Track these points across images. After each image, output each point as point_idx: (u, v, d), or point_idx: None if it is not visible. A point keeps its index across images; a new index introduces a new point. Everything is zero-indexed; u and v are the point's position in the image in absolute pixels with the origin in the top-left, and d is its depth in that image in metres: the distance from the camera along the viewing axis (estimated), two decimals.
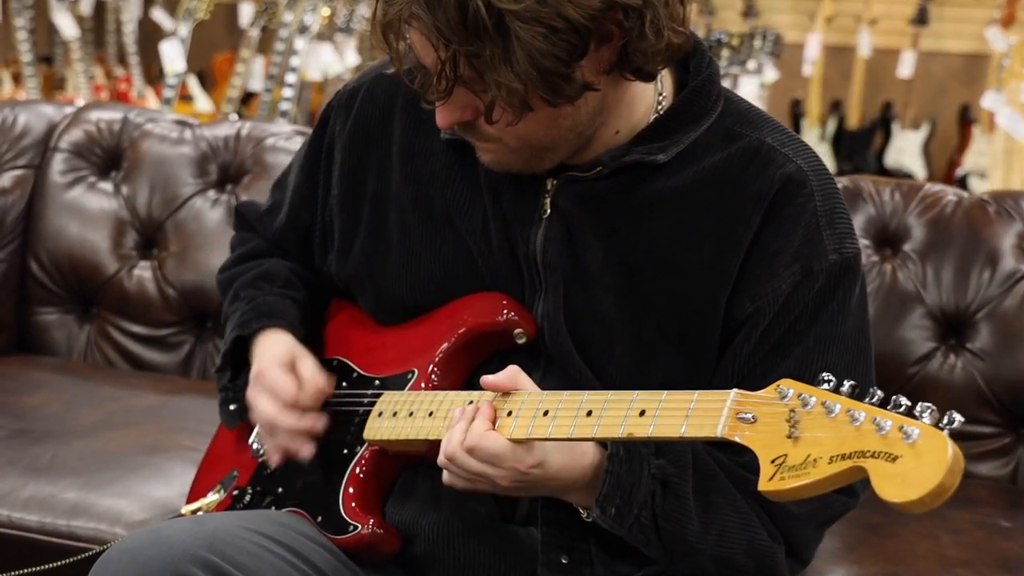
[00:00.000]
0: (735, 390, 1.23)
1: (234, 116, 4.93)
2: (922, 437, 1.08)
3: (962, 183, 6.25)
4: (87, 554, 1.81)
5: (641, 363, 1.47)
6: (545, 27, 1.31)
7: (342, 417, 1.61)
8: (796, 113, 6.69)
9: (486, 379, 1.41)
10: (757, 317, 1.45)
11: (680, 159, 1.47)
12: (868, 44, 6.51)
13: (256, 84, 5.04)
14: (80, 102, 2.86)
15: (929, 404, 1.11)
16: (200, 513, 1.67)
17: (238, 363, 1.70)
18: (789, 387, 1.18)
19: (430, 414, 1.49)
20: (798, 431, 1.15)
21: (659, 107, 1.48)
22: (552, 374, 1.48)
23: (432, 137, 1.56)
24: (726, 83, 4.97)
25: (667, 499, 1.42)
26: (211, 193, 2.57)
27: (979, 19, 6.47)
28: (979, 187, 6.10)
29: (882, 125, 6.68)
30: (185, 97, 5.81)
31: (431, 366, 1.55)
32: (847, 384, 1.17)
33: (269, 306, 1.68)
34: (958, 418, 1.10)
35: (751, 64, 5.11)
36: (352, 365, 1.65)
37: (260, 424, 1.62)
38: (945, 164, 6.60)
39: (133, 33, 5.87)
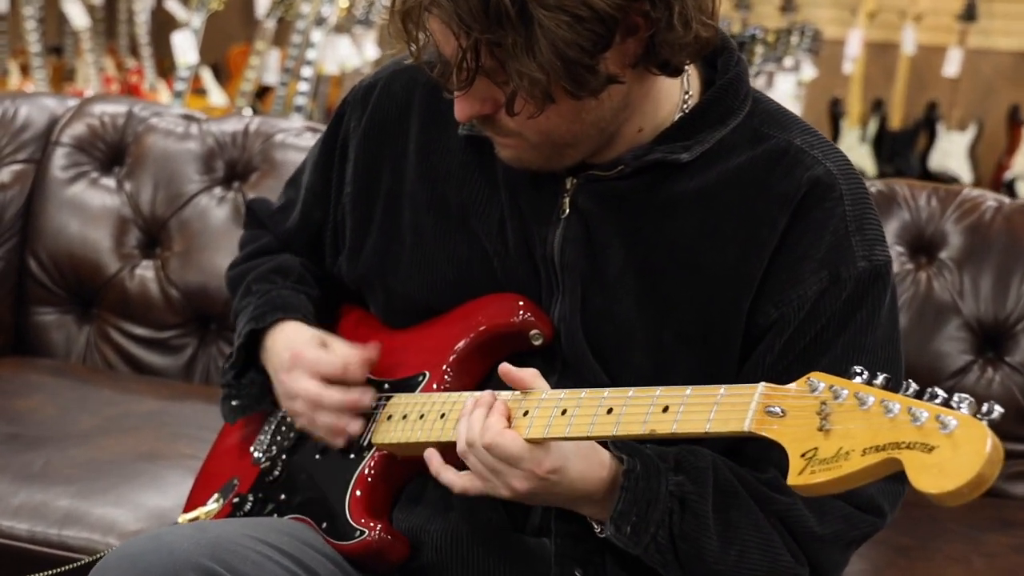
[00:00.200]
0: (763, 383, 1.24)
1: (248, 111, 4.94)
2: (960, 427, 1.08)
3: (1010, 188, 6.21)
4: (78, 563, 1.81)
5: (659, 369, 1.47)
6: (570, 16, 1.32)
7: (366, 407, 1.60)
8: (836, 113, 6.66)
9: (506, 365, 1.41)
10: (781, 324, 1.44)
11: (705, 159, 1.47)
12: (913, 41, 6.48)
13: (271, 78, 5.05)
14: (89, 95, 2.87)
15: (967, 395, 1.11)
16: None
17: (244, 361, 1.70)
18: (820, 380, 1.18)
19: (442, 416, 1.49)
20: (829, 424, 1.15)
21: (685, 106, 1.48)
22: (567, 378, 1.48)
23: (450, 134, 1.57)
24: (761, 81, 4.98)
25: (685, 518, 1.41)
26: (217, 191, 2.57)
27: None
28: None
29: (926, 126, 6.65)
30: (199, 90, 5.84)
31: (444, 366, 1.56)
32: (881, 377, 1.17)
33: (284, 299, 1.69)
34: (997, 409, 1.09)
35: (788, 61, 5.10)
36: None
37: (303, 404, 1.60)
38: (993, 168, 6.56)
39: (146, 23, 5.89)
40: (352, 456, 1.59)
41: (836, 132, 6.64)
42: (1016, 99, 6.49)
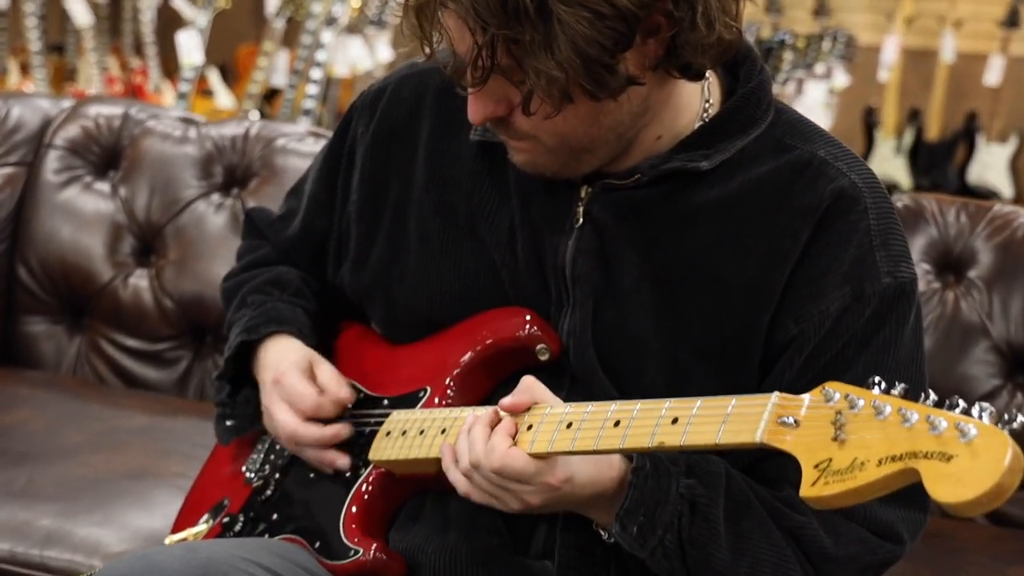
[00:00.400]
0: (776, 393, 1.24)
1: (255, 114, 4.95)
2: (980, 436, 1.09)
3: None
4: None
5: (673, 385, 1.47)
6: (591, 12, 1.32)
7: (346, 439, 1.61)
8: (870, 122, 6.64)
9: (504, 403, 1.42)
10: (802, 340, 1.45)
11: (725, 168, 1.47)
12: (952, 48, 6.47)
13: (279, 80, 5.06)
14: (92, 95, 2.88)
15: (988, 404, 1.11)
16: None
17: (238, 376, 1.71)
18: (836, 389, 1.19)
19: (443, 432, 1.49)
20: (844, 434, 1.15)
21: (705, 115, 1.49)
22: (576, 395, 1.48)
23: (461, 140, 1.58)
24: (790, 88, 4.98)
25: (695, 522, 1.41)
26: (215, 197, 2.57)
27: None
28: None
29: (965, 138, 6.63)
30: (205, 92, 5.86)
31: (448, 380, 1.56)
32: (899, 387, 1.17)
33: (279, 312, 1.70)
34: (1020, 417, 1.10)
35: (819, 68, 5.10)
36: (358, 385, 1.65)
37: (282, 436, 1.63)
38: None
39: (151, 22, 5.91)
40: (348, 474, 1.59)
41: (870, 143, 6.63)
42: None
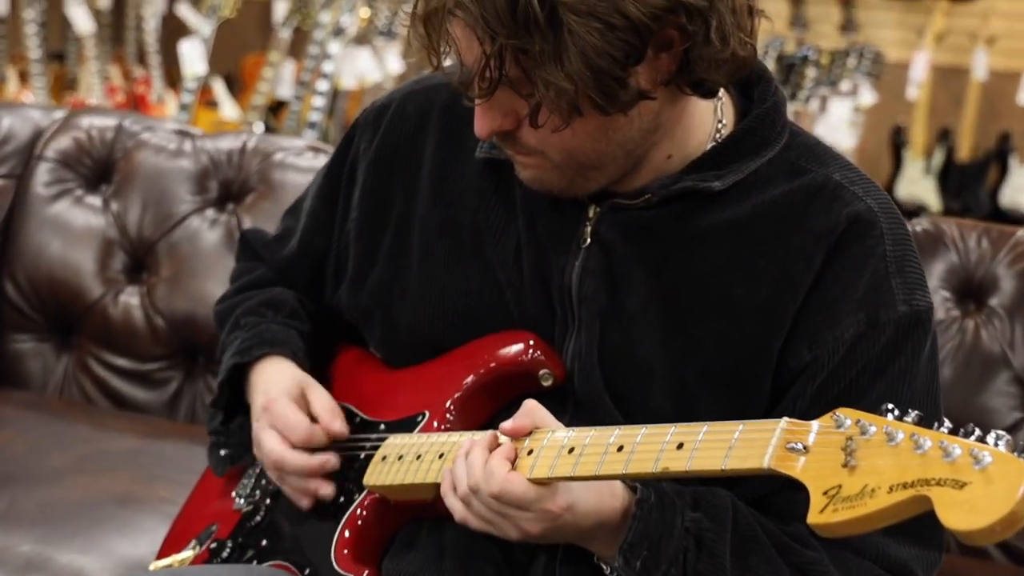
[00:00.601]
0: (785, 419, 1.24)
1: (259, 126, 4.97)
2: (995, 463, 1.09)
3: None
4: None
5: (680, 412, 1.47)
6: (602, 23, 1.33)
7: (341, 463, 1.62)
8: (898, 142, 6.63)
9: (504, 427, 1.42)
10: (815, 368, 1.45)
11: (737, 190, 1.48)
12: (984, 65, 6.46)
13: (285, 91, 5.09)
14: (92, 105, 2.88)
15: (1004, 432, 1.12)
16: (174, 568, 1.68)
17: (232, 402, 1.72)
18: (847, 416, 1.20)
19: (440, 456, 1.49)
20: (855, 460, 1.16)
21: (718, 135, 1.50)
22: (580, 420, 1.48)
23: (466, 157, 1.59)
24: (813, 105, 4.97)
25: (701, 557, 1.41)
26: (210, 212, 2.57)
27: None
28: None
29: (998, 159, 6.61)
30: (210, 103, 5.88)
31: (448, 404, 1.56)
32: (913, 414, 1.18)
33: (272, 334, 1.71)
34: None
35: (844, 85, 5.10)
36: (355, 410, 1.66)
37: (267, 463, 1.63)
38: None
39: (155, 30, 5.95)
40: (342, 499, 1.59)
41: (898, 163, 6.62)
42: None
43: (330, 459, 1.61)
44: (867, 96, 5.30)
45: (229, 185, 2.59)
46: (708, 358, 1.47)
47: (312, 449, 1.61)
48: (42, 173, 2.62)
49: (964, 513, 1.08)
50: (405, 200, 1.63)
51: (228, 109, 5.92)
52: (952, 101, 6.69)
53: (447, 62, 1.43)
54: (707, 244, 1.48)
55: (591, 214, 1.51)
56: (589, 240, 1.51)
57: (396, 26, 5.11)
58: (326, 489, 1.60)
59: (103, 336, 2.55)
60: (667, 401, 1.48)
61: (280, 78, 5.08)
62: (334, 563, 1.54)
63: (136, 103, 5.90)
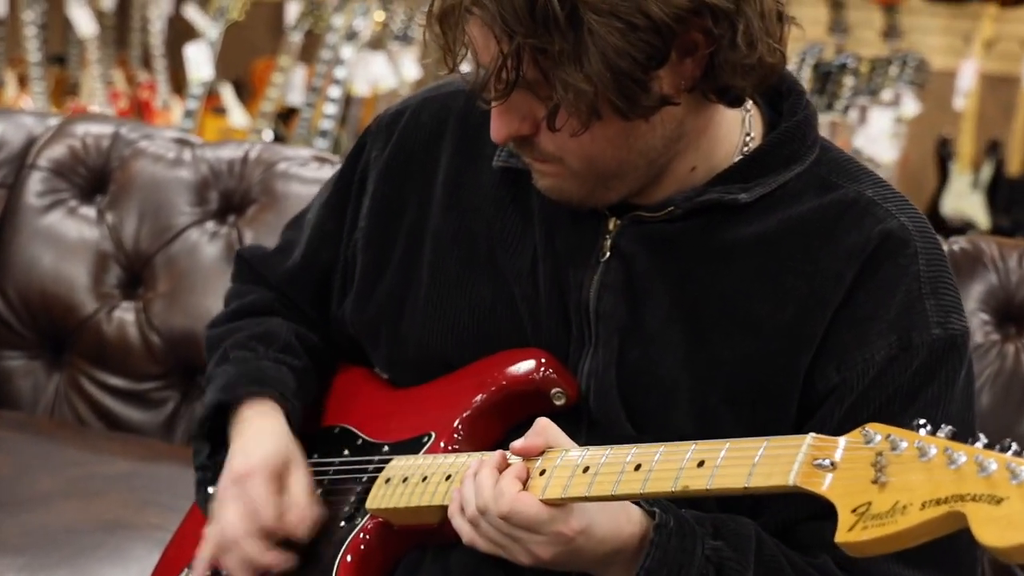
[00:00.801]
0: (812, 434, 1.25)
1: (268, 134, 4.99)
2: None
3: None
4: None
5: (701, 433, 1.45)
6: (623, 23, 1.34)
7: (341, 487, 1.62)
8: (943, 154, 6.61)
9: (515, 446, 1.42)
10: (843, 390, 1.46)
11: (765, 204, 1.49)
12: None
13: (295, 98, 5.11)
14: (95, 111, 2.90)
15: None
16: None
17: (216, 435, 1.71)
18: (877, 431, 1.20)
19: (447, 478, 1.50)
20: (885, 476, 1.17)
21: (745, 148, 1.51)
22: (594, 441, 1.47)
23: (483, 166, 1.60)
24: (852, 115, 4.97)
25: None
26: (210, 225, 2.58)
27: None
28: None
29: None
30: (219, 110, 5.90)
31: (456, 424, 1.57)
32: (946, 428, 1.18)
33: (261, 372, 1.70)
34: None
35: (886, 94, 5.09)
36: (356, 432, 1.67)
37: (217, 535, 1.62)
38: None
39: (161, 33, 5.98)
40: (343, 524, 1.60)
41: (944, 177, 6.59)
42: None
43: (281, 562, 1.59)
44: (910, 106, 5.29)
45: (230, 196, 2.59)
46: (732, 377, 1.48)
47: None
48: (35, 182, 2.63)
49: (1001, 529, 1.08)
50: (417, 210, 1.64)
51: (237, 116, 5.95)
52: (1002, 111, 6.66)
53: (464, 66, 1.45)
54: (732, 259, 1.49)
55: (611, 227, 1.52)
56: (609, 253, 1.52)
57: (412, 30, 5.12)
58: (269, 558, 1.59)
59: (96, 354, 2.55)
60: (688, 421, 1.48)
61: (291, 84, 5.10)
62: None
63: (140, 109, 5.93)
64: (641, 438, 1.47)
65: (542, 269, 1.55)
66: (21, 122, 2.71)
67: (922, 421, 1.19)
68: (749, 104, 1.51)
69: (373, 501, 1.56)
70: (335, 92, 4.69)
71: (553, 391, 1.53)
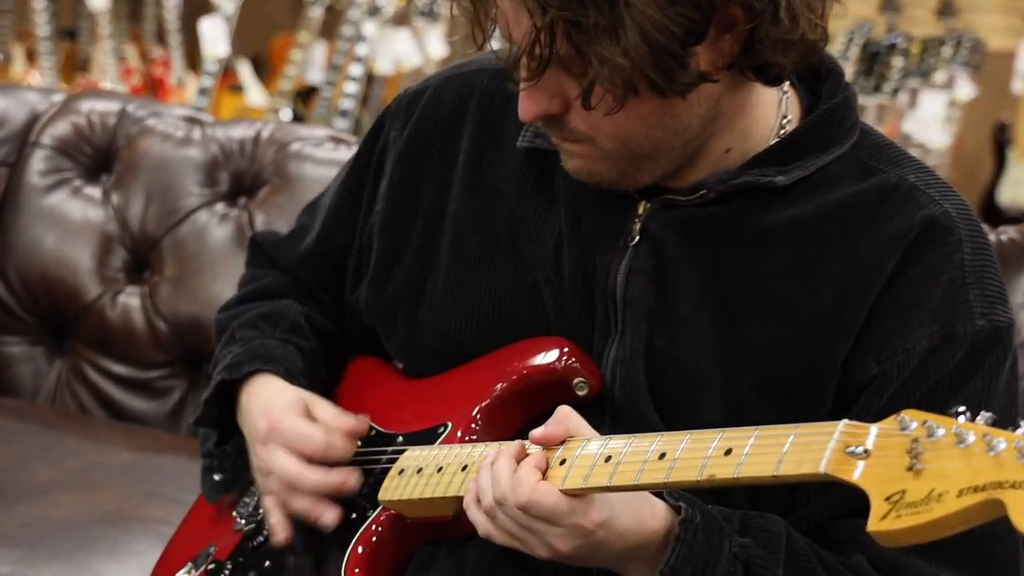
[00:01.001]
0: (845, 421, 1.25)
1: (286, 113, 5.00)
2: None
3: None
4: None
5: (730, 424, 1.45)
6: None
7: (351, 489, 1.62)
8: (1001, 140, 6.58)
9: (534, 434, 1.43)
10: (882, 382, 1.47)
11: (802, 188, 1.50)
12: None
13: (315, 76, 5.12)
14: (106, 88, 2.92)
15: None
16: None
17: (223, 422, 1.73)
18: (913, 417, 1.20)
19: (463, 468, 1.50)
20: (921, 463, 1.17)
21: (781, 131, 1.52)
22: (619, 432, 1.47)
23: (506, 147, 1.61)
24: (902, 98, 4.95)
25: None
26: (219, 207, 2.59)
27: None
28: None
29: None
30: (235, 88, 5.93)
31: (474, 412, 1.58)
32: (986, 415, 1.18)
33: (267, 349, 1.72)
34: None
35: (939, 76, 5.07)
36: (364, 417, 1.67)
37: (279, 486, 1.63)
38: None
39: (177, 7, 5.99)
40: (354, 516, 1.60)
41: (1000, 163, 6.57)
42: None
43: (351, 476, 1.61)
44: (965, 89, 5.27)
45: (241, 177, 2.60)
46: (766, 363, 1.49)
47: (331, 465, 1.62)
48: (37, 161, 2.64)
49: None
50: (437, 192, 1.66)
51: (254, 94, 5.97)
52: None
53: (493, 43, 1.45)
54: (767, 244, 1.50)
55: (641, 210, 1.53)
56: (638, 238, 1.53)
57: (438, 5, 5.13)
58: (330, 516, 1.60)
59: (100, 340, 2.56)
60: (718, 412, 1.49)
61: (310, 61, 5.10)
62: None
63: (154, 86, 5.96)
64: (668, 429, 1.48)
65: (567, 253, 1.56)
66: (24, 98, 2.73)
67: (961, 408, 1.19)
68: (786, 86, 1.52)
69: (385, 493, 1.57)
70: (356, 70, 4.69)
71: (575, 381, 1.54)
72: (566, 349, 1.56)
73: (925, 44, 4.93)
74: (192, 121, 2.68)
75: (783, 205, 1.50)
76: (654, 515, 1.42)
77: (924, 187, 1.50)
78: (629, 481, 1.35)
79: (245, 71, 6.08)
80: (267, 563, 1.66)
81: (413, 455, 1.58)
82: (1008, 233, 2.29)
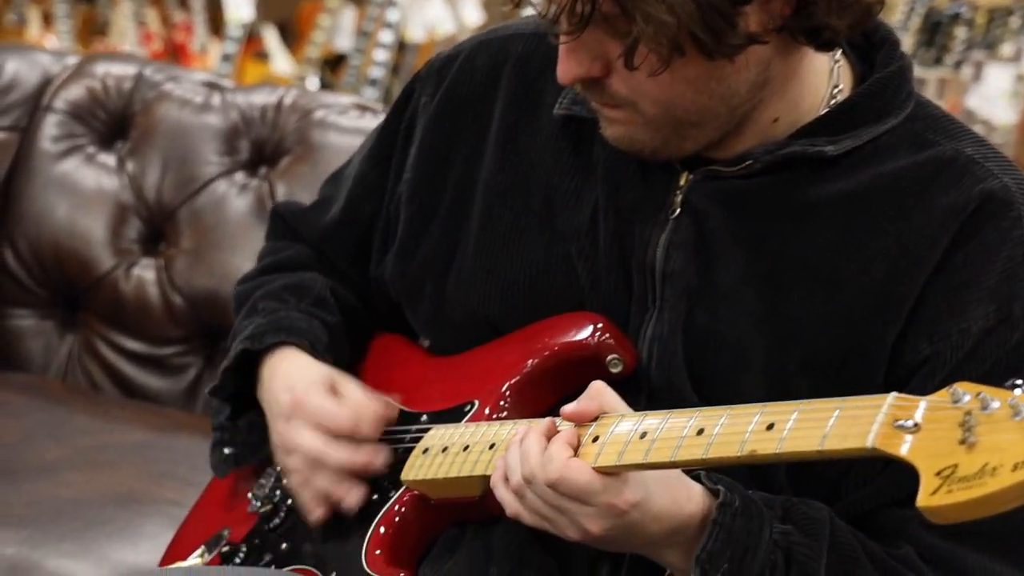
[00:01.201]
0: (894, 393, 1.25)
1: (314, 82, 5.02)
2: None
3: None
4: None
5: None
6: None
7: (379, 468, 1.63)
8: None
9: (566, 410, 1.43)
10: (935, 363, 1.47)
11: (853, 159, 1.50)
12: None
13: (344, 43, 5.12)
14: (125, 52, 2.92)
15: None
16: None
17: (240, 395, 1.75)
18: (966, 390, 1.21)
19: (491, 447, 1.51)
20: (974, 436, 1.17)
21: (832, 101, 1.52)
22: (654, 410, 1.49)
23: (542, 114, 1.62)
24: (965, 71, 4.91)
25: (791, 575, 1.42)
26: (239, 176, 2.61)
27: None
28: None
29: None
30: (261, 55, 5.95)
31: (504, 389, 1.59)
32: None
33: (292, 322, 1.73)
34: None
35: (1006, 48, 5.04)
36: (393, 402, 1.68)
37: (303, 463, 1.64)
38: None
39: None
40: (375, 496, 1.62)
41: None
42: None
43: (378, 455, 1.62)
44: None
45: (262, 146, 2.62)
46: (811, 343, 1.49)
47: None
48: (49, 126, 2.65)
49: None
50: (468, 161, 1.67)
51: (280, 62, 5.98)
52: None
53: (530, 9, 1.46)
54: (815, 217, 1.50)
55: (683, 181, 1.53)
56: (679, 210, 1.53)
57: None
58: (354, 496, 1.61)
59: (113, 314, 2.58)
60: (759, 390, 1.49)
61: (339, 27, 5.11)
62: (364, 565, 1.56)
63: (175, 52, 5.98)
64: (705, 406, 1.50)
65: (603, 226, 1.57)
66: (36, 60, 2.74)
67: (1018, 381, 1.19)
68: (838, 54, 1.52)
69: (409, 472, 1.58)
70: (387, 37, 4.70)
71: (609, 358, 1.55)
72: (600, 325, 1.56)
73: (991, 14, 4.89)
74: (211, 86, 2.69)
75: (832, 177, 1.50)
76: (691, 498, 1.42)
77: (982, 160, 1.50)
78: (666, 458, 1.36)
79: (271, 37, 6.10)
80: (284, 545, 1.68)
81: (438, 434, 1.59)
82: None
